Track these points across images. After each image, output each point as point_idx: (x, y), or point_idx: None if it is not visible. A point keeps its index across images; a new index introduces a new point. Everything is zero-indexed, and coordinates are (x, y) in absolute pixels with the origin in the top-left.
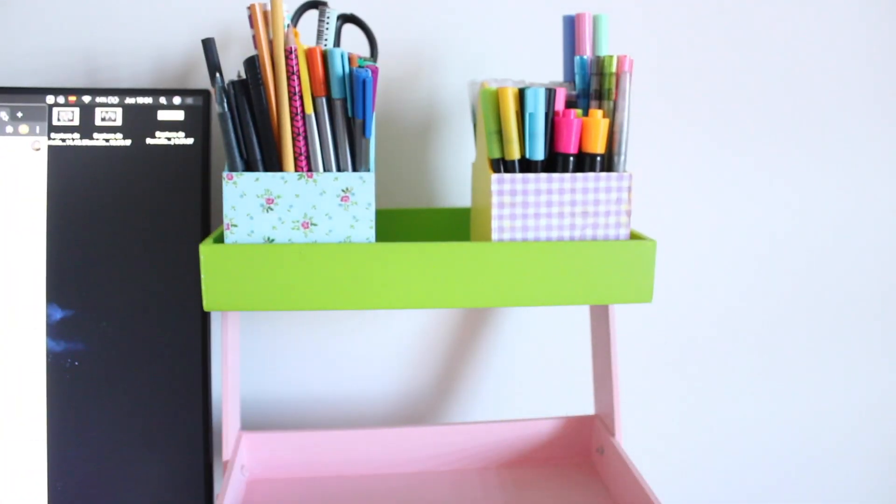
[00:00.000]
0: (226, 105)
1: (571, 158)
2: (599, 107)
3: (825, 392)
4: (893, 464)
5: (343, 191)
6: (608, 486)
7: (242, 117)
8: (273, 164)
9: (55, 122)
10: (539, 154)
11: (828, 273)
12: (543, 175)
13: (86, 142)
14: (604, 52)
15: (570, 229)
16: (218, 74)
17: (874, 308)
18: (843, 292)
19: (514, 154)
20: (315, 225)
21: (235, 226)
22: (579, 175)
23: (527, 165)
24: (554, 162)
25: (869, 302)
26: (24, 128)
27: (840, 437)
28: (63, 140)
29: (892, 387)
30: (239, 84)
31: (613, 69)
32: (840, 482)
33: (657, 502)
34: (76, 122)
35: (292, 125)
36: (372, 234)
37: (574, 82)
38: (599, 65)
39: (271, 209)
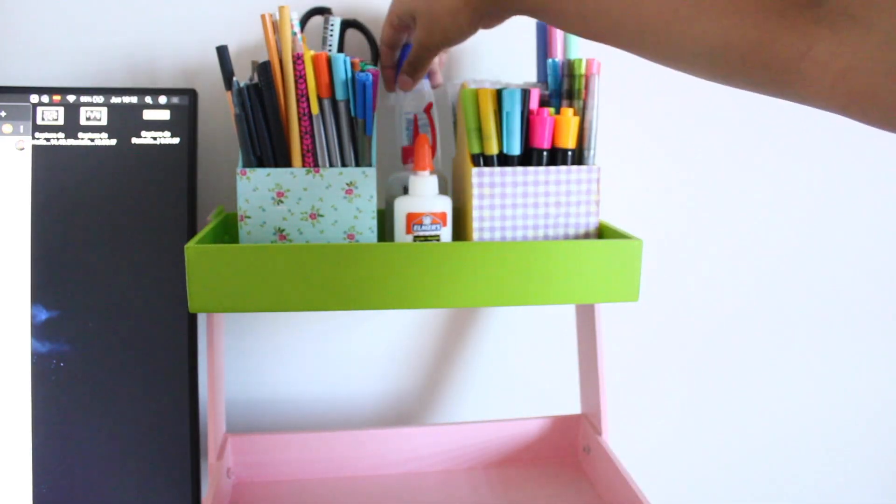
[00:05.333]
0: (241, 107)
1: (545, 153)
2: (570, 106)
3: (812, 390)
4: (888, 465)
5: (347, 184)
6: (595, 485)
7: (256, 118)
8: (283, 160)
9: (39, 122)
10: (515, 149)
11: (815, 270)
12: (520, 168)
13: (71, 141)
14: (574, 55)
15: (544, 218)
16: (234, 79)
17: (867, 307)
18: (832, 290)
19: (493, 149)
20: (322, 216)
21: (249, 217)
22: (552, 168)
23: (504, 160)
24: (529, 156)
25: (862, 300)
26: (7, 127)
27: (829, 435)
28: (48, 140)
29: (883, 386)
30: (253, 88)
31: (583, 71)
32: (829, 480)
33: (644, 500)
34: (61, 122)
35: (300, 124)
36: (374, 224)
37: (547, 83)
38: (570, 67)
39: (282, 202)
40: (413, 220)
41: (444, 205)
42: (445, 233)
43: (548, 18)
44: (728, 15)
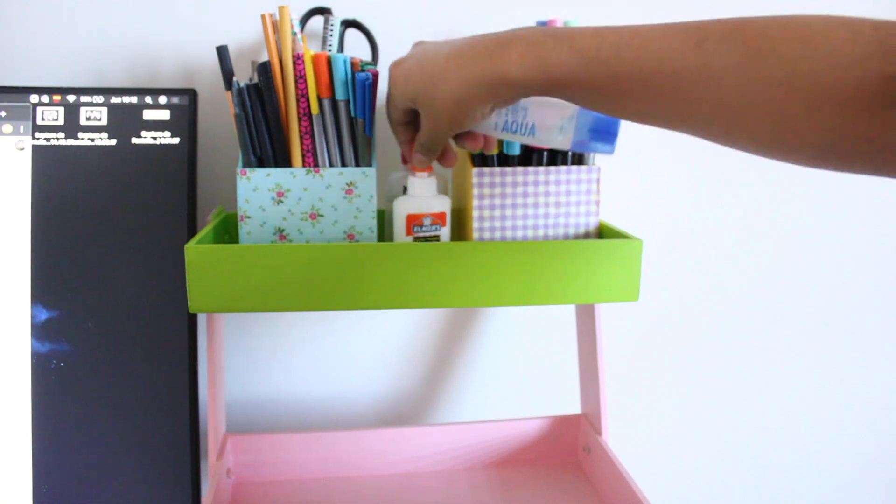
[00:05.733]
0: (241, 107)
1: (545, 153)
2: None
3: (811, 390)
4: (888, 465)
5: (347, 184)
6: (595, 485)
7: (256, 118)
8: (283, 160)
9: (39, 122)
10: (515, 149)
11: (815, 270)
12: (520, 168)
13: (71, 141)
14: None
15: (544, 218)
16: (234, 79)
17: (867, 307)
18: (832, 290)
19: (493, 149)
20: (322, 216)
21: (249, 217)
22: (552, 168)
23: (504, 160)
24: (529, 156)
25: (861, 300)
26: (7, 127)
27: (828, 435)
28: (47, 140)
29: (883, 386)
30: (253, 87)
31: None
32: (829, 479)
33: (644, 500)
34: (61, 122)
35: (300, 124)
36: (374, 224)
37: None
38: None
39: (282, 202)
40: (413, 221)
41: (444, 205)
42: (445, 233)
43: (584, 97)
44: (836, 115)
